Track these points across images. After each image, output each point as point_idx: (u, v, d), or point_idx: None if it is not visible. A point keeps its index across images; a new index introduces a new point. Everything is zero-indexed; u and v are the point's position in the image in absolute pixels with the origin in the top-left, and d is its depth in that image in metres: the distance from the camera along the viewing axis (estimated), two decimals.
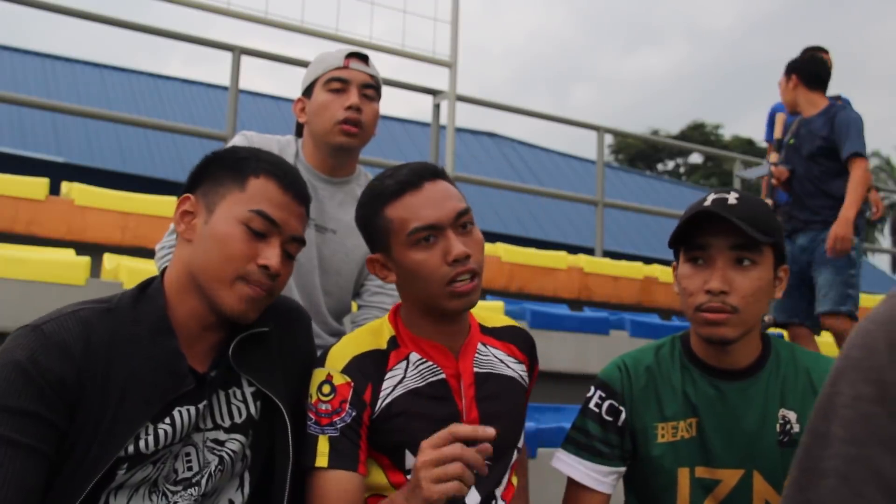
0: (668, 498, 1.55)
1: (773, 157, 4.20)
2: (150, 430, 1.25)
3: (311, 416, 1.40)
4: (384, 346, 1.47)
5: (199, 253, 1.30)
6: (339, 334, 2.12)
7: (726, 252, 1.49)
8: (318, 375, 1.42)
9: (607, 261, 5.56)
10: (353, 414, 1.39)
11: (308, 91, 2.06)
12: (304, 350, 1.49)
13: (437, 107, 5.19)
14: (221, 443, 1.34)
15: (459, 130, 9.39)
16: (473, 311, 1.57)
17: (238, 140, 2.03)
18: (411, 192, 1.43)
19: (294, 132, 2.15)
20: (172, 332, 1.29)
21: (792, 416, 1.51)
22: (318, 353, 2.08)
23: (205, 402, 1.31)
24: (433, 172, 1.46)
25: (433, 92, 5.18)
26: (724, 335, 1.49)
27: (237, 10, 4.42)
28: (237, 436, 1.36)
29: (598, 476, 1.58)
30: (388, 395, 1.43)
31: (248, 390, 1.38)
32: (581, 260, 5.47)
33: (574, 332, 3.77)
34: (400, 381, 1.44)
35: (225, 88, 4.79)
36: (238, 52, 4.54)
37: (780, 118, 4.23)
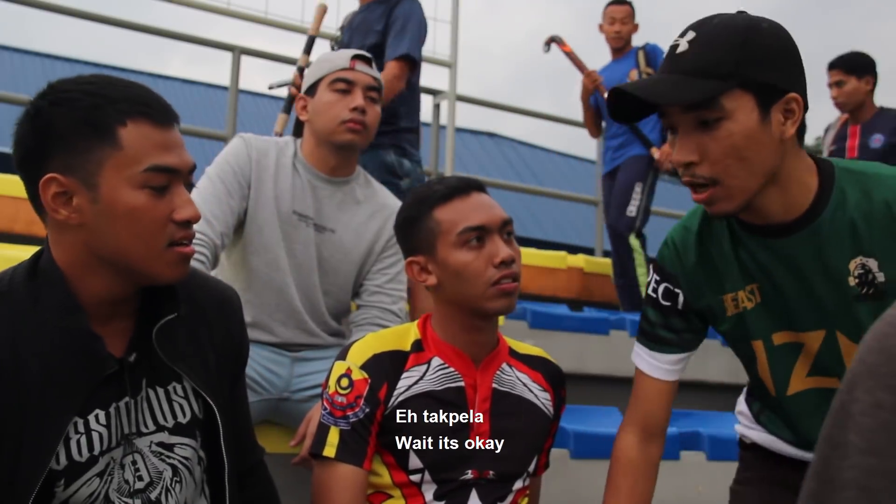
0: (752, 369, 1.42)
1: (302, 59, 3.54)
2: (82, 428, 1.13)
3: (326, 405, 1.44)
4: (407, 347, 1.50)
5: (104, 235, 1.12)
6: (338, 334, 2.12)
7: (683, 116, 1.23)
8: (339, 368, 1.46)
9: (607, 261, 5.54)
10: (367, 410, 1.43)
11: (311, 90, 2.06)
12: (237, 340, 1.36)
13: (437, 107, 5.18)
14: (170, 447, 1.23)
15: (459, 130, 9.38)
16: (505, 336, 1.61)
17: (236, 142, 2.04)
18: (461, 197, 1.51)
19: (292, 132, 2.15)
20: (82, 311, 1.13)
21: (872, 263, 1.25)
22: (306, 352, 2.07)
23: (140, 395, 1.20)
24: (479, 185, 1.55)
25: (433, 92, 5.18)
26: (717, 211, 1.26)
27: (237, 10, 4.42)
28: (186, 440, 1.24)
29: (659, 364, 1.48)
30: (402, 394, 1.45)
31: (188, 386, 1.25)
32: (581, 260, 5.46)
33: (574, 332, 3.76)
34: (416, 382, 1.47)
35: (225, 88, 4.79)
36: (238, 52, 4.53)
37: (320, 9, 3.57)
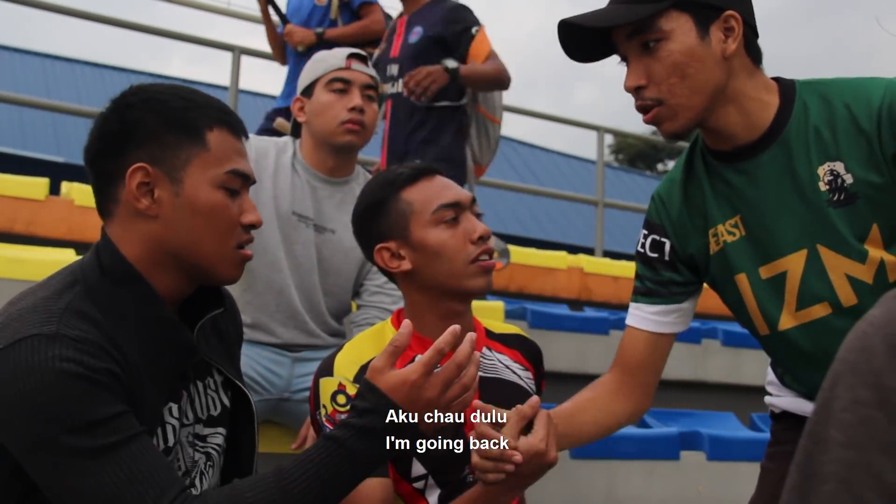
0: (740, 311, 1.41)
1: None
2: (160, 421, 1.18)
3: (330, 427, 1.37)
4: None
5: (180, 229, 1.18)
6: (338, 334, 2.12)
7: (629, 43, 1.30)
8: (329, 385, 1.40)
9: (607, 261, 5.56)
10: None
11: (308, 91, 2.06)
12: (240, 336, 1.43)
13: None
14: (203, 437, 1.27)
15: None
16: (479, 317, 1.57)
17: None
18: (426, 178, 1.48)
19: (290, 132, 2.15)
20: (162, 301, 1.18)
21: (839, 166, 1.28)
22: (307, 352, 2.07)
23: (192, 388, 1.26)
24: (438, 169, 1.52)
25: None
26: (665, 131, 1.31)
27: (237, 10, 4.43)
28: (217, 429, 1.30)
29: (642, 314, 1.46)
30: None
31: (219, 379, 1.31)
32: (581, 260, 5.47)
33: (574, 332, 3.77)
34: None
35: (225, 88, 4.79)
36: (238, 52, 4.54)
37: None
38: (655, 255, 1.45)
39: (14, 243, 3.32)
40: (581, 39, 1.34)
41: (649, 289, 1.46)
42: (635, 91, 1.30)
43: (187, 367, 1.24)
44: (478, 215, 1.50)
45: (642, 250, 1.47)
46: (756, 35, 1.34)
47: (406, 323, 1.19)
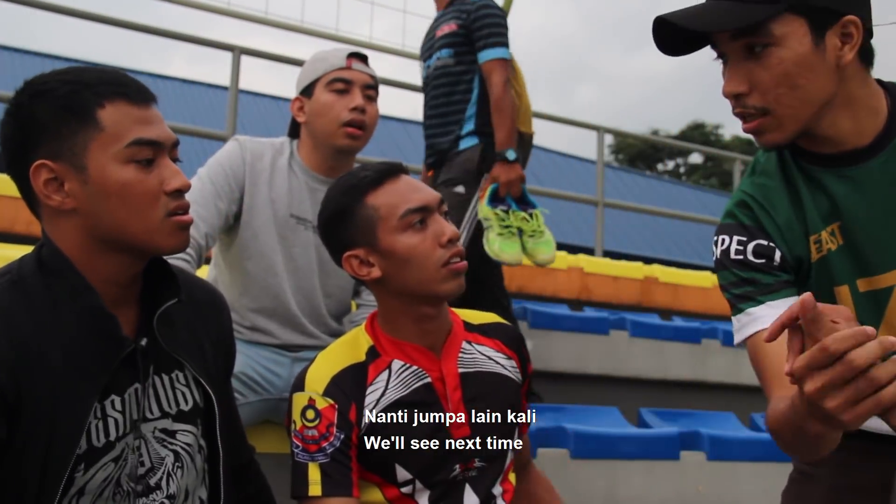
0: None
1: None
2: (99, 413, 1.15)
3: (298, 442, 1.36)
4: (362, 357, 1.43)
5: (100, 215, 1.15)
6: (338, 335, 2.11)
7: (732, 44, 1.17)
8: (300, 400, 1.38)
9: (607, 261, 5.55)
10: (342, 437, 1.35)
11: (307, 91, 2.05)
12: (227, 337, 1.41)
13: None
14: (172, 434, 1.25)
15: None
16: (457, 310, 1.54)
17: (230, 145, 2.02)
18: (391, 180, 1.44)
19: (287, 133, 2.13)
20: (94, 291, 1.15)
21: None
22: (307, 352, 2.07)
23: (148, 382, 1.23)
24: (404, 168, 1.48)
25: None
26: (767, 142, 1.21)
27: (237, 10, 4.43)
28: (187, 426, 1.27)
29: (780, 312, 1.21)
30: (372, 410, 1.39)
31: (189, 375, 1.29)
32: (581, 260, 5.46)
33: (574, 332, 3.77)
34: (382, 394, 1.40)
35: (225, 88, 4.79)
36: (238, 52, 4.53)
37: None
38: (762, 262, 1.27)
39: (14, 243, 3.32)
40: (675, 32, 1.21)
41: (771, 286, 1.26)
42: (735, 98, 1.19)
43: (144, 358, 1.21)
44: (445, 214, 1.46)
45: (740, 257, 1.28)
46: (871, 35, 1.22)
47: None
